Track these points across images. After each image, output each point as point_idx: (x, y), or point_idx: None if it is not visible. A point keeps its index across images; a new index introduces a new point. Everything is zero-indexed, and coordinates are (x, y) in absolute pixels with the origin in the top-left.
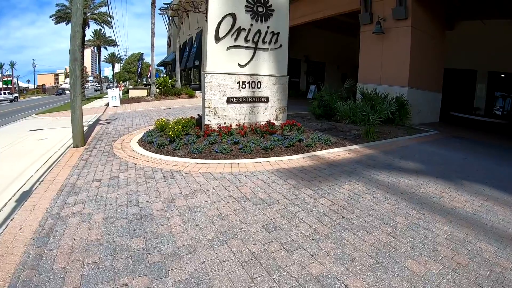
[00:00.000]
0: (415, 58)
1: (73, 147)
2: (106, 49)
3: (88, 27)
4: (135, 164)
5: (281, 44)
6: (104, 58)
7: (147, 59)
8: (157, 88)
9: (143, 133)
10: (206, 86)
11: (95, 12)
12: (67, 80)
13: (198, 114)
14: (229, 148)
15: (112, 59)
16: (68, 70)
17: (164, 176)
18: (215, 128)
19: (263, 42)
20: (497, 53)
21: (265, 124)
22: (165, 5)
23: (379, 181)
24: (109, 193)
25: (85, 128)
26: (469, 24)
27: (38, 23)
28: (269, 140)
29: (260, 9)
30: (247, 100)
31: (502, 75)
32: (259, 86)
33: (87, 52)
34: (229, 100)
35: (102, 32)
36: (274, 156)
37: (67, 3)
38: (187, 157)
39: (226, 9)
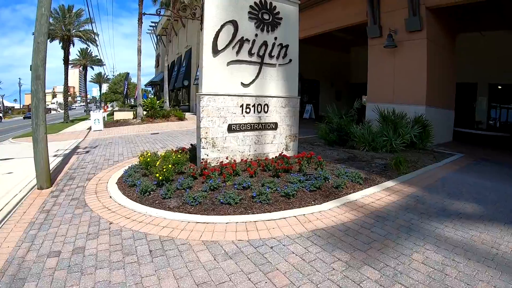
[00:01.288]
0: (431, 73)
1: (37, 188)
2: (93, 69)
3: (73, 45)
4: (110, 223)
5: (290, 58)
6: (91, 78)
7: (134, 79)
8: (144, 110)
9: (125, 170)
10: (202, 111)
11: (80, 29)
12: (54, 100)
13: (191, 144)
14: (238, 197)
15: (99, 79)
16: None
17: (150, 251)
18: (215, 164)
19: (270, 56)
20: (497, 65)
21: (276, 157)
22: (153, 24)
23: (448, 239)
24: (67, 285)
25: (58, 159)
26: (468, 36)
27: (26, 42)
28: (287, 182)
29: (266, 16)
30: (252, 127)
31: (499, 87)
32: (266, 110)
33: (75, 72)
34: (231, 128)
35: (88, 51)
36: (299, 207)
37: (50, 20)
38: (182, 211)
39: (226, 16)
